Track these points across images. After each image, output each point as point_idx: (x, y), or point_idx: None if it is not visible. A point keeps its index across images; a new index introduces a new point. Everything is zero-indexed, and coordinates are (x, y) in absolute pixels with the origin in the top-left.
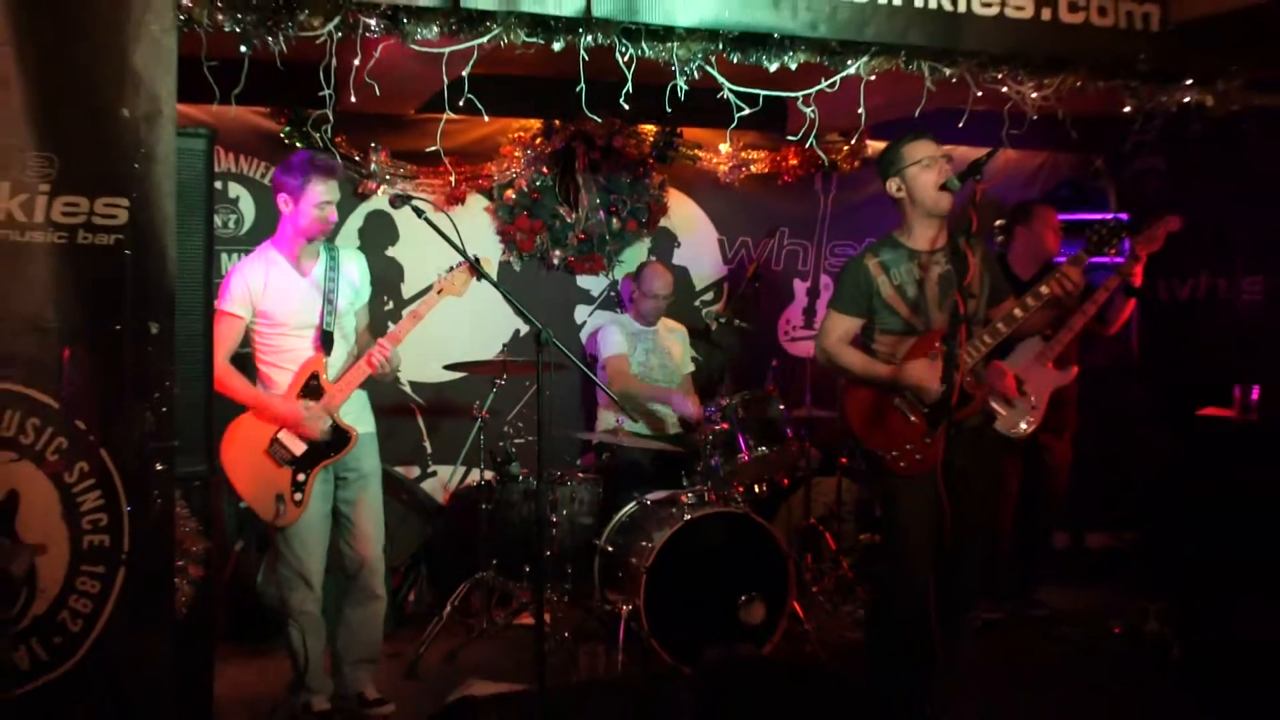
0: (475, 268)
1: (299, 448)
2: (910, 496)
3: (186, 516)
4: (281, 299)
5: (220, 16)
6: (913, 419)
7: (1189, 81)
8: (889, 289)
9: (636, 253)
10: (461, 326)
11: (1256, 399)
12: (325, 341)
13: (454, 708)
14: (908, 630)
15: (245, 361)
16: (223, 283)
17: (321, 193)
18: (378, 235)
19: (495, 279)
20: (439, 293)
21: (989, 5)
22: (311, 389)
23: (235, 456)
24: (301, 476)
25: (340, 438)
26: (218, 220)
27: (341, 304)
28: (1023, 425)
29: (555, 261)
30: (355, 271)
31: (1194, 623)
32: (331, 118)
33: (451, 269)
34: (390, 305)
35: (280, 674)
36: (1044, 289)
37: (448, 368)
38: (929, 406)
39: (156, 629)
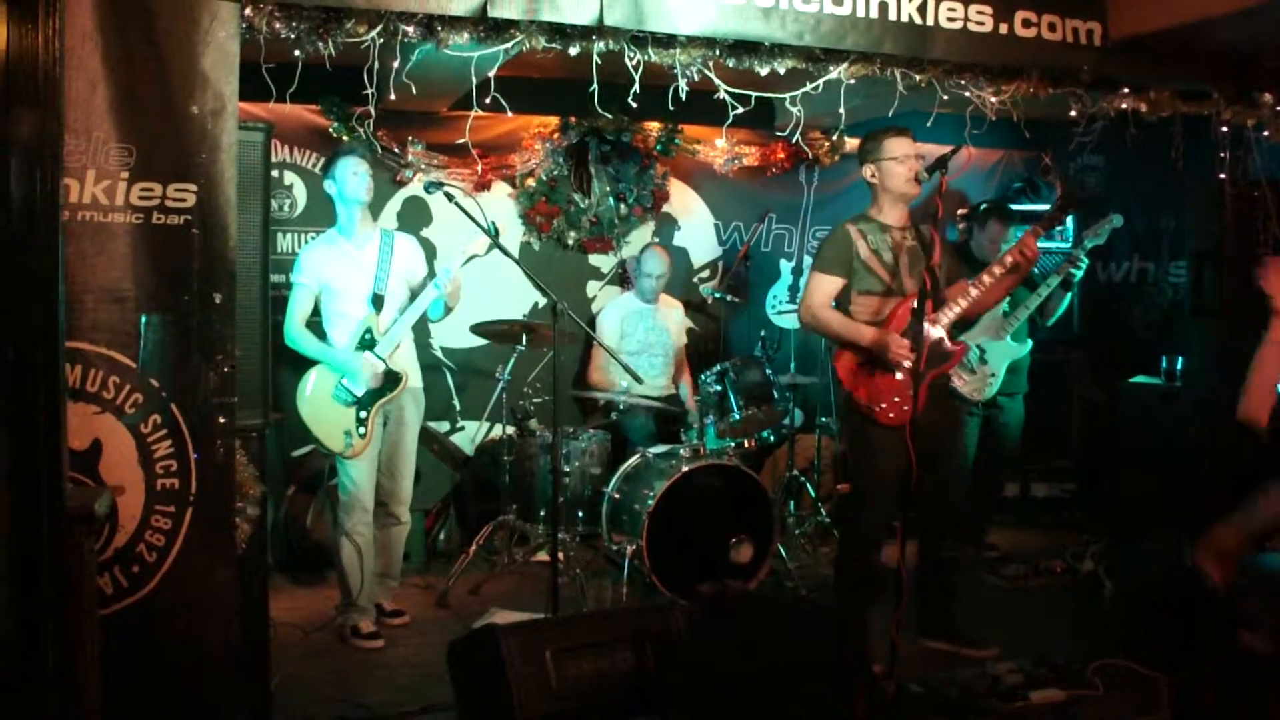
0: (495, 242)
1: (359, 389)
2: (885, 446)
3: (245, 464)
4: (341, 271)
5: (278, 25)
6: (899, 375)
7: (1126, 90)
8: (866, 251)
9: (642, 235)
10: (488, 299)
11: (1180, 368)
12: (375, 302)
13: (478, 632)
14: (867, 562)
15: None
16: (297, 262)
17: (352, 163)
18: (414, 218)
19: (516, 256)
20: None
21: (954, 19)
22: (365, 341)
23: (311, 406)
24: (364, 414)
25: (393, 379)
26: (274, 204)
27: (392, 275)
28: (986, 391)
29: (570, 242)
30: (408, 252)
31: (1123, 562)
32: (374, 114)
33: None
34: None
35: (327, 600)
36: (1008, 258)
37: (474, 329)
38: (912, 364)
39: (220, 560)
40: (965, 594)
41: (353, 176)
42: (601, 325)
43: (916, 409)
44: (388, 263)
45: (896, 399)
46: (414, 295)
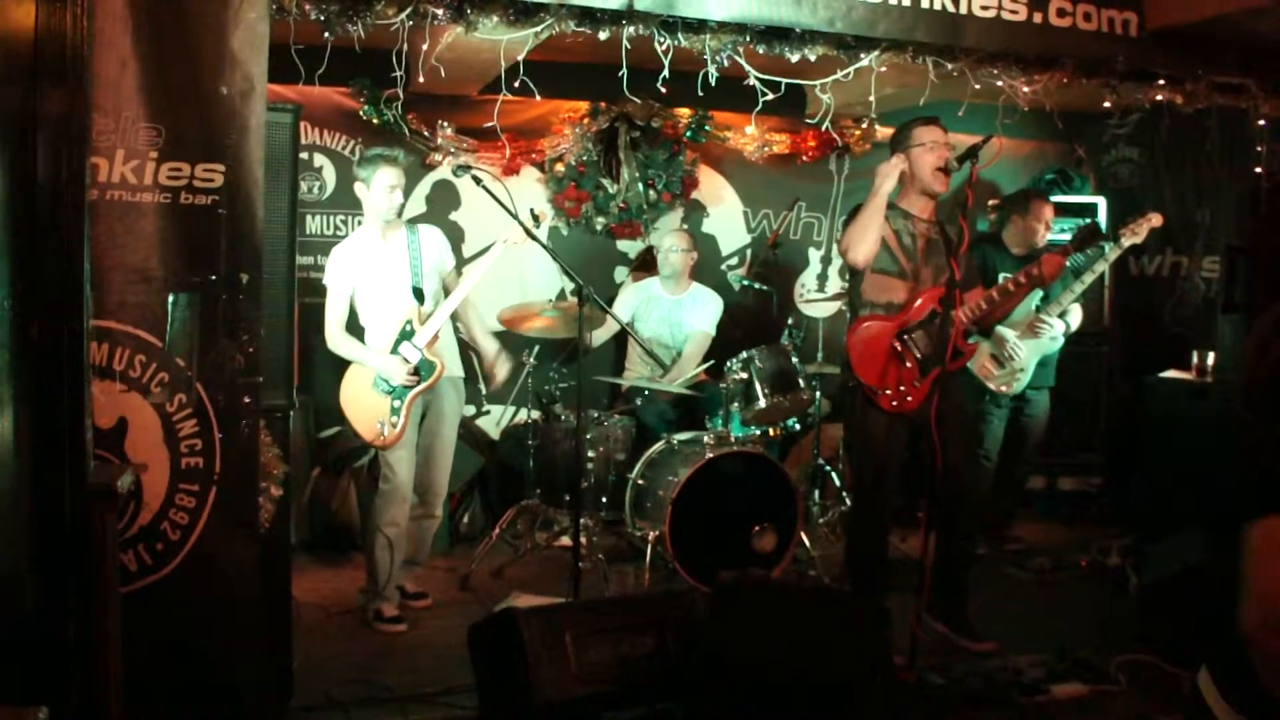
0: (527, 231)
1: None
2: (887, 433)
3: (269, 444)
4: (373, 269)
5: (307, 6)
6: (908, 364)
7: (1161, 82)
8: (888, 230)
9: (670, 221)
10: (515, 284)
11: (1211, 364)
12: (417, 295)
13: (499, 615)
14: (872, 548)
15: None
16: (328, 265)
17: (390, 176)
18: (443, 202)
19: (545, 242)
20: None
21: (987, 8)
22: (406, 333)
23: (349, 394)
24: (398, 403)
25: (429, 369)
26: (303, 186)
27: (426, 267)
28: (1014, 384)
29: (598, 228)
30: (435, 243)
31: (1149, 558)
32: (402, 97)
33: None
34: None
35: (350, 581)
36: (1022, 277)
37: (501, 321)
38: (924, 355)
39: (243, 540)
40: (984, 586)
41: (387, 191)
42: (615, 308)
43: (919, 399)
44: (419, 256)
45: (901, 387)
46: (445, 284)
